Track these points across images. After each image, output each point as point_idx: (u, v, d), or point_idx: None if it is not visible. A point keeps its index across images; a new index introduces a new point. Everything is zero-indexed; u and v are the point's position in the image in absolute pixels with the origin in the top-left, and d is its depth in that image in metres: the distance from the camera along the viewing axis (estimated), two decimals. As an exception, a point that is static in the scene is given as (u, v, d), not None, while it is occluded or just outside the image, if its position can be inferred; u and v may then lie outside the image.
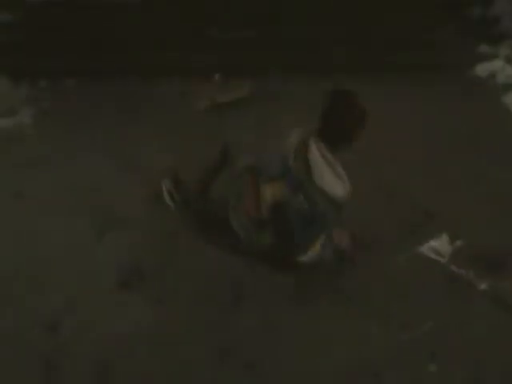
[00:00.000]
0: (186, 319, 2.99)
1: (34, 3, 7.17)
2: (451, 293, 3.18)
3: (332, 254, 3.33)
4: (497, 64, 6.48)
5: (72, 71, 6.14)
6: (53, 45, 6.55)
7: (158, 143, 4.58)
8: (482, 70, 6.48)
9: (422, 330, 2.95)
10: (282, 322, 2.99)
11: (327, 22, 7.01)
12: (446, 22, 7.31)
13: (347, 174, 4.14)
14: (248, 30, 6.61)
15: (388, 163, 4.42)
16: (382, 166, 4.37)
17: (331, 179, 3.04)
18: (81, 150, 4.51)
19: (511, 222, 3.77)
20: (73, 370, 2.73)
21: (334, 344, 2.88)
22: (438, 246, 3.49)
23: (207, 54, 6.40)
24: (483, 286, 3.20)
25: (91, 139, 4.70)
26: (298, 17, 6.97)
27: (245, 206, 3.22)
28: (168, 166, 3.91)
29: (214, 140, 3.68)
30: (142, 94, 5.66)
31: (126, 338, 2.86)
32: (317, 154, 3.02)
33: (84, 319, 2.97)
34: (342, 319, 3.02)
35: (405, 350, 2.86)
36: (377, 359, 2.83)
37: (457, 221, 3.71)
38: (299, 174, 3.03)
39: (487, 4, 7.58)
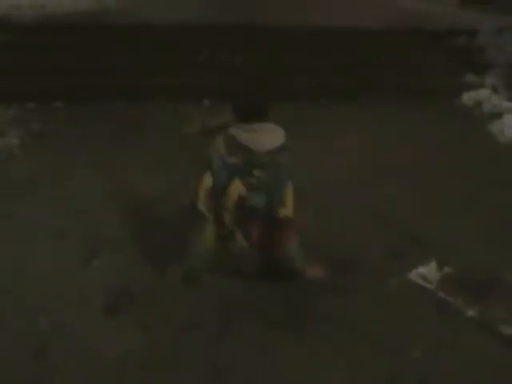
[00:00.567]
0: (175, 344, 2.96)
1: (23, 26, 7.20)
2: (440, 318, 3.18)
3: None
4: (483, 93, 6.58)
5: (60, 93, 6.15)
6: (41, 67, 6.57)
7: (145, 167, 4.59)
8: (468, 98, 6.58)
9: (411, 355, 2.94)
10: (270, 346, 2.97)
11: (313, 50, 7.12)
12: (433, 51, 7.43)
13: (333, 197, 4.20)
14: (237, 56, 6.68)
15: (374, 188, 4.45)
16: (368, 191, 4.39)
17: (266, 137, 3.07)
18: (68, 173, 4.50)
19: (498, 247, 3.79)
20: (60, 395, 2.68)
21: (323, 368, 2.87)
22: (426, 272, 3.50)
23: (196, 79, 6.46)
24: (471, 313, 3.20)
25: (79, 161, 4.70)
26: (285, 45, 7.07)
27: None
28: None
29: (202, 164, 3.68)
30: (130, 117, 5.69)
31: (114, 363, 2.83)
32: (240, 132, 3.05)
33: (71, 344, 2.93)
34: (330, 344, 3.00)
35: (395, 375, 2.84)
36: (366, 385, 2.81)
37: (444, 246, 3.73)
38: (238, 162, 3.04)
39: (472, 35, 7.72)
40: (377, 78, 7.00)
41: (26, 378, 2.74)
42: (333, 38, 7.48)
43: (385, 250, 3.72)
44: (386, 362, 2.90)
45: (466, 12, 9.53)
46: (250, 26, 7.42)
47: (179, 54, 6.79)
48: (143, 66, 6.61)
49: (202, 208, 3.19)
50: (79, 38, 6.98)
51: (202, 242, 3.26)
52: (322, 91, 6.57)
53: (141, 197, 4.11)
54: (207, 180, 3.15)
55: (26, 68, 6.56)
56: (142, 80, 6.44)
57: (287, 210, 3.22)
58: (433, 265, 3.52)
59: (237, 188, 3.10)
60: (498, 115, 6.08)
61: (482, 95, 6.60)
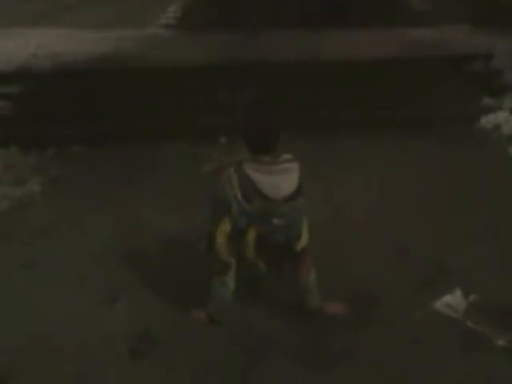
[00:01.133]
0: (200, 384, 2.92)
1: (39, 74, 7.35)
2: (468, 349, 3.10)
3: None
4: (501, 116, 6.54)
5: (79, 138, 6.25)
6: (60, 113, 6.70)
7: (165, 206, 4.61)
8: (486, 122, 6.54)
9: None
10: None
11: (327, 83, 7.15)
12: (449, 76, 7.43)
13: (357, 231, 4.17)
14: (254, 94, 6.73)
15: (398, 218, 4.41)
16: (391, 221, 4.35)
17: (283, 181, 2.99)
18: (89, 216, 4.54)
19: (525, 274, 3.71)
20: None
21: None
22: (452, 301, 3.43)
23: (213, 116, 6.52)
24: (501, 342, 3.12)
25: (96, 205, 4.74)
26: (302, 81, 7.12)
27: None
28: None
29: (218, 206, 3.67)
30: (148, 157, 5.75)
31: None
32: (256, 175, 2.95)
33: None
34: (355, 380, 2.94)
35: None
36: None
37: (470, 275, 3.66)
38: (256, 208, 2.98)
39: (487, 58, 7.71)
40: (394, 107, 7.01)
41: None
42: (347, 69, 7.51)
43: (409, 281, 3.66)
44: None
45: (479, 37, 9.56)
46: (260, 63, 7.49)
47: (192, 95, 6.87)
48: (158, 108, 6.70)
49: (221, 252, 3.16)
50: (94, 83, 7.10)
51: (223, 285, 3.23)
52: (338, 124, 6.59)
53: (158, 237, 4.13)
54: (226, 224, 3.08)
55: (44, 115, 6.69)
56: (157, 121, 6.53)
57: (303, 243, 3.21)
58: (458, 293, 3.46)
59: (255, 232, 3.08)
60: (517, 138, 6.05)
61: (500, 118, 6.57)
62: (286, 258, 3.24)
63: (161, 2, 13.90)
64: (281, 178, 2.99)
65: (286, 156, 3.06)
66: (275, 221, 3.03)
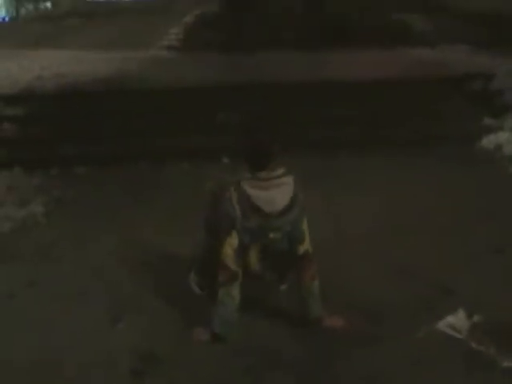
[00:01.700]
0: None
1: (45, 96, 7.42)
2: (471, 370, 3.07)
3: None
4: (503, 136, 6.57)
5: (82, 159, 6.29)
6: (63, 134, 6.76)
7: (168, 226, 4.62)
8: (488, 142, 6.56)
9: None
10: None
11: (328, 103, 7.20)
12: (450, 96, 7.47)
13: (358, 250, 4.17)
14: (255, 113, 6.77)
15: (399, 237, 4.41)
16: (392, 241, 4.35)
17: (274, 197, 3.12)
18: (92, 236, 4.55)
19: (529, 294, 3.69)
20: None
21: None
22: (455, 321, 3.42)
23: (215, 137, 6.55)
24: (506, 363, 3.09)
25: (99, 225, 4.76)
26: (304, 100, 7.16)
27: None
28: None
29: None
30: (151, 178, 5.78)
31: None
32: (253, 191, 3.10)
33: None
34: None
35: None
36: None
37: (473, 295, 3.64)
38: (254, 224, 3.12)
39: (488, 78, 7.76)
40: (395, 127, 7.05)
41: None
42: (348, 89, 7.57)
43: (411, 300, 3.64)
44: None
45: (480, 57, 9.62)
46: (262, 83, 7.55)
47: (195, 115, 6.92)
48: (160, 129, 6.75)
49: (229, 261, 3.19)
50: (98, 104, 7.17)
51: (229, 296, 3.24)
52: (339, 143, 6.62)
53: (161, 256, 4.14)
54: (234, 238, 3.16)
55: (48, 136, 6.74)
56: (160, 142, 6.58)
57: (306, 246, 3.30)
58: (461, 313, 3.44)
59: (258, 246, 3.21)
60: (519, 157, 6.06)
61: (501, 138, 6.59)
62: (291, 265, 3.35)
63: (163, 23, 14.04)
64: (275, 193, 3.13)
65: (281, 170, 3.18)
66: (272, 235, 3.17)
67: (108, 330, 3.42)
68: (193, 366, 3.13)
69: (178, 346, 3.27)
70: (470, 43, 11.24)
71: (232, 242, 3.17)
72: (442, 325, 3.39)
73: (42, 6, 43.44)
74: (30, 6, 41.51)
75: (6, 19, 36.82)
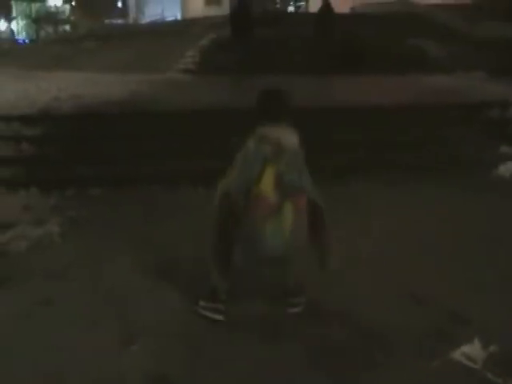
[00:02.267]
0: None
1: (61, 117, 7.50)
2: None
3: None
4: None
5: (98, 180, 6.33)
6: (80, 155, 6.81)
7: (182, 248, 4.64)
8: (505, 170, 6.55)
9: None
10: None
11: (347, 128, 7.21)
12: (466, 124, 7.48)
13: (368, 276, 4.15)
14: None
15: (410, 264, 4.39)
16: (404, 268, 4.33)
17: (286, 135, 3.57)
18: (107, 257, 4.57)
19: (545, 323, 3.65)
20: None
21: None
22: (470, 351, 3.38)
23: (229, 161, 6.57)
24: (523, 395, 3.05)
25: (117, 245, 4.78)
26: (314, 124, 7.19)
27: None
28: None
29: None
30: (165, 200, 5.80)
31: None
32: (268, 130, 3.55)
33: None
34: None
35: None
36: None
37: (489, 324, 3.61)
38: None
39: (504, 106, 7.77)
40: (409, 153, 7.05)
41: None
42: (363, 114, 7.59)
43: (423, 328, 3.61)
44: None
45: (495, 84, 9.64)
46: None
47: (209, 138, 6.96)
48: (174, 151, 6.78)
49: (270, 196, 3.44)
50: (114, 125, 7.23)
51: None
52: (353, 168, 6.63)
53: (176, 278, 4.15)
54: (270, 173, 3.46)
55: (64, 157, 6.80)
56: (174, 165, 6.61)
57: (314, 192, 3.66)
58: (477, 343, 3.41)
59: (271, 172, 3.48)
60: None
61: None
62: (299, 195, 3.55)
63: (179, 46, 14.17)
64: (287, 133, 3.59)
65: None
66: (285, 159, 3.49)
67: (121, 352, 3.42)
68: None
69: (192, 369, 3.27)
70: (484, 70, 11.28)
71: (270, 171, 3.46)
72: (457, 354, 3.35)
73: (60, 28, 44.11)
74: (50, 29, 42.22)
75: (26, 41, 37.46)
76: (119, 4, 51.56)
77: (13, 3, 51.78)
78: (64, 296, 4.01)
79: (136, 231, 5.09)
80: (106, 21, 45.75)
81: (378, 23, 14.82)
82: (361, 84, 10.36)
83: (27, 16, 49.98)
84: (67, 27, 45.98)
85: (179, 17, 29.59)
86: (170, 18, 28.22)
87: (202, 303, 3.75)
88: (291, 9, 38.00)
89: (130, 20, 35.99)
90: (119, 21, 45.22)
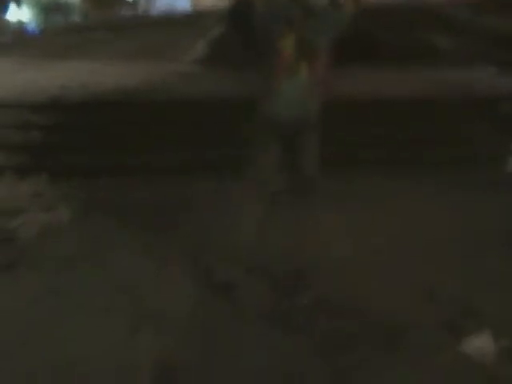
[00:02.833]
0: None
1: (69, 105, 7.48)
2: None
3: None
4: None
5: (107, 168, 6.31)
6: (89, 144, 6.79)
7: (194, 242, 4.62)
8: (517, 165, 6.47)
9: None
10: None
11: (356, 122, 7.17)
12: (476, 119, 7.42)
13: (380, 269, 4.13)
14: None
15: (422, 258, 4.37)
16: (418, 265, 4.30)
17: None
18: (117, 247, 4.56)
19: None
20: None
21: None
22: (481, 344, 3.36)
23: (239, 149, 6.54)
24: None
25: (127, 236, 4.76)
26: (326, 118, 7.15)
27: None
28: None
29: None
30: (177, 191, 5.76)
31: None
32: None
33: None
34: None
35: None
36: None
37: (499, 318, 3.59)
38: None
39: (515, 100, 7.70)
40: (418, 148, 7.00)
41: None
42: (372, 108, 7.53)
43: (435, 322, 3.60)
44: None
45: (506, 78, 9.55)
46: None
47: (219, 128, 6.91)
48: (185, 141, 6.75)
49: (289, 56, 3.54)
50: (123, 115, 7.19)
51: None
52: (363, 162, 6.59)
53: (187, 271, 4.14)
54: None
55: (73, 145, 6.79)
56: (185, 155, 6.58)
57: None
58: (488, 337, 3.39)
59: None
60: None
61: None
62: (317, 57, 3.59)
63: (189, 38, 14.12)
64: None
65: None
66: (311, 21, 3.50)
67: (131, 341, 3.41)
68: (215, 382, 3.11)
69: (201, 358, 3.26)
70: (495, 64, 11.18)
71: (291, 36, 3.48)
72: (467, 347, 3.33)
73: (70, 18, 44.07)
74: (59, 19, 42.16)
75: (36, 31, 37.45)
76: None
77: (21, -9, 51.59)
78: (74, 283, 4.01)
79: (147, 220, 5.07)
80: (116, 11, 45.60)
81: (386, 15, 14.65)
82: (370, 76, 10.28)
83: (36, 5, 49.92)
84: (76, 17, 45.87)
85: (189, 8, 29.50)
86: (181, 9, 28.12)
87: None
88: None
89: (140, 11, 35.92)
90: (129, 12, 45.06)
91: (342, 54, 10.84)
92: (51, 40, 20.21)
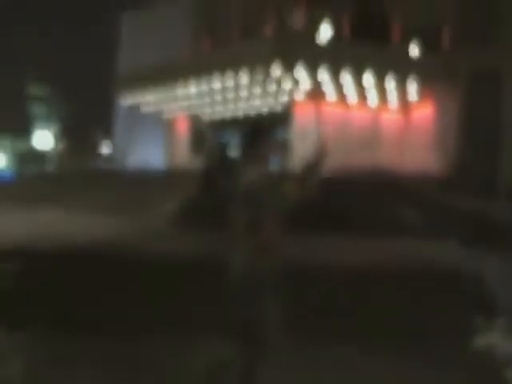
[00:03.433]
0: None
1: (38, 255, 7.43)
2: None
3: None
4: (494, 337, 6.46)
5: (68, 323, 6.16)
6: (52, 294, 6.67)
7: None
8: (479, 343, 6.43)
9: None
10: None
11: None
12: (439, 294, 7.49)
13: None
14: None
15: None
16: None
17: None
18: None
19: None
20: None
21: None
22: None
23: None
24: None
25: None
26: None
27: None
28: None
29: None
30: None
31: None
32: None
33: None
34: None
35: None
36: None
37: None
38: None
39: (477, 279, 7.84)
40: (377, 322, 6.93)
41: None
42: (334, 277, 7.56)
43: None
44: None
45: (468, 253, 9.78)
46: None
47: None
48: (150, 303, 6.68)
49: None
50: (92, 269, 7.15)
51: None
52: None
53: None
54: None
55: (37, 294, 6.66)
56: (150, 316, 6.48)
57: None
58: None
59: None
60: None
61: (493, 340, 6.48)
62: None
63: (161, 195, 14.42)
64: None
65: None
66: None
67: None
68: None
69: None
70: (457, 238, 11.52)
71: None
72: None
73: (45, 167, 45.04)
74: (33, 167, 43.10)
75: (10, 177, 38.01)
76: (104, 150, 53.04)
77: (-2, 139, 52.61)
78: None
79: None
80: (91, 164, 46.81)
81: (356, 185, 15.22)
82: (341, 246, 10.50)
83: (12, 153, 51.18)
84: (52, 167, 46.88)
85: (163, 164, 30.29)
86: (155, 164, 28.90)
87: None
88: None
89: (115, 164, 36.86)
90: (104, 164, 46.21)
91: (306, 221, 11.19)
92: (25, 188, 20.49)
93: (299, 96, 22.85)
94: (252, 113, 26.34)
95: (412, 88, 20.77)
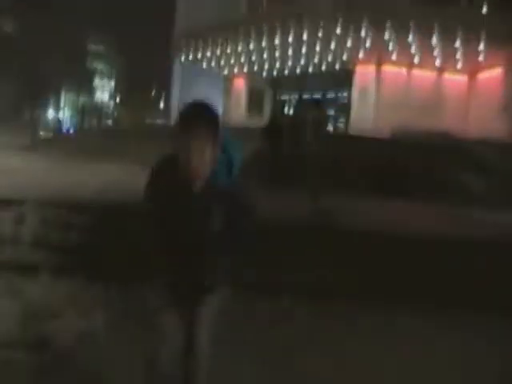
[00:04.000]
0: None
1: (107, 208, 7.57)
2: None
3: None
4: None
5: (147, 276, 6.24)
6: (127, 248, 6.77)
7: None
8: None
9: None
10: None
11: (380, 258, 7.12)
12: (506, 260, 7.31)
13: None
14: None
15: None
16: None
17: None
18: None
19: None
20: None
21: None
22: None
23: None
24: None
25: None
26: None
27: None
28: None
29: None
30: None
31: None
32: None
33: None
34: None
35: None
36: None
37: None
38: None
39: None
40: (446, 291, 6.82)
41: None
42: (400, 244, 7.46)
43: None
44: None
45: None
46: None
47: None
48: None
49: None
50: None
51: None
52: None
53: None
54: None
55: (110, 248, 6.76)
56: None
57: None
58: None
59: None
60: None
61: None
62: None
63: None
64: None
65: None
66: None
67: None
68: None
69: None
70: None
71: None
72: None
73: (104, 122, 45.84)
74: (94, 121, 43.90)
75: (71, 131, 38.82)
76: (161, 105, 53.48)
77: (63, 94, 54.26)
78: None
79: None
80: (148, 120, 47.33)
81: (420, 152, 14.94)
82: (401, 210, 10.38)
83: (74, 107, 52.25)
84: (110, 122, 47.76)
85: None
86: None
87: None
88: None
89: (172, 121, 37.18)
90: (160, 120, 46.66)
91: (373, 185, 11.12)
92: (86, 141, 20.88)
93: (361, 55, 22.40)
94: (312, 71, 25.98)
95: (480, 48, 20.03)
